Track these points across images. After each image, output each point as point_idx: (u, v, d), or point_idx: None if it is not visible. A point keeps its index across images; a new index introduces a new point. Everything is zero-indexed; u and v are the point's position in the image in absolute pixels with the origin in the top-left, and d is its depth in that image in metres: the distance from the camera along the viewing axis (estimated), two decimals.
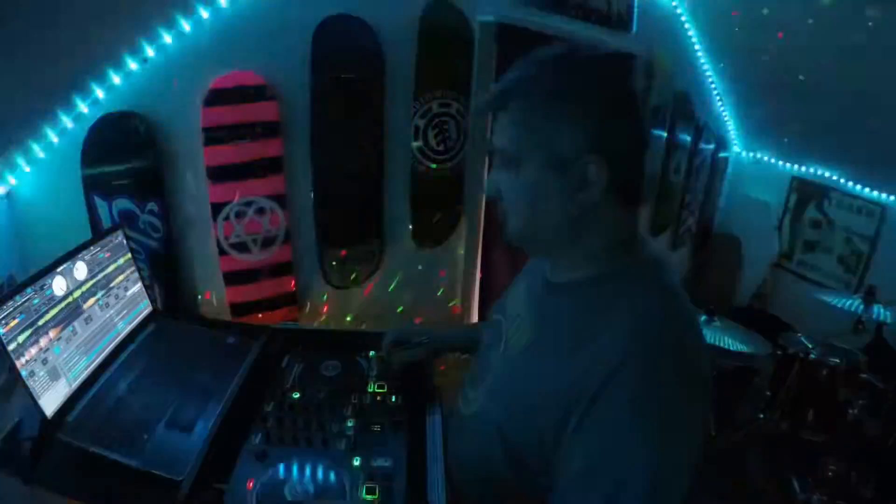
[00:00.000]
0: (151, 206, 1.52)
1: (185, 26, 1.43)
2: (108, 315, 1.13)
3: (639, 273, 0.77)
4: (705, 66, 2.82)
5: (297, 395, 1.05)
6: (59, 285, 1.00)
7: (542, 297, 0.87)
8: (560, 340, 0.77)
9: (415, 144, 1.96)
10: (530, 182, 0.75)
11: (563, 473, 0.70)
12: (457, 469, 0.91)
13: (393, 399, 1.07)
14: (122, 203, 1.47)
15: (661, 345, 0.69)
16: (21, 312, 0.91)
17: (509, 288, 1.01)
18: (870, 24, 1.94)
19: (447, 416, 1.03)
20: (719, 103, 3.01)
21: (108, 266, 1.15)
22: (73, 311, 1.03)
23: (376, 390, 1.08)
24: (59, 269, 1.01)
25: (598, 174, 0.72)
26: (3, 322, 0.87)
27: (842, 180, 2.82)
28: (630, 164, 0.76)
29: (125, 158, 1.46)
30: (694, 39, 2.70)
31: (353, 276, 2.01)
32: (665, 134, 2.79)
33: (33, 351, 0.92)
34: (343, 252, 1.95)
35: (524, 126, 0.74)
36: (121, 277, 1.18)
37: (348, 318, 2.06)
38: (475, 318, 2.42)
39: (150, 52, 1.40)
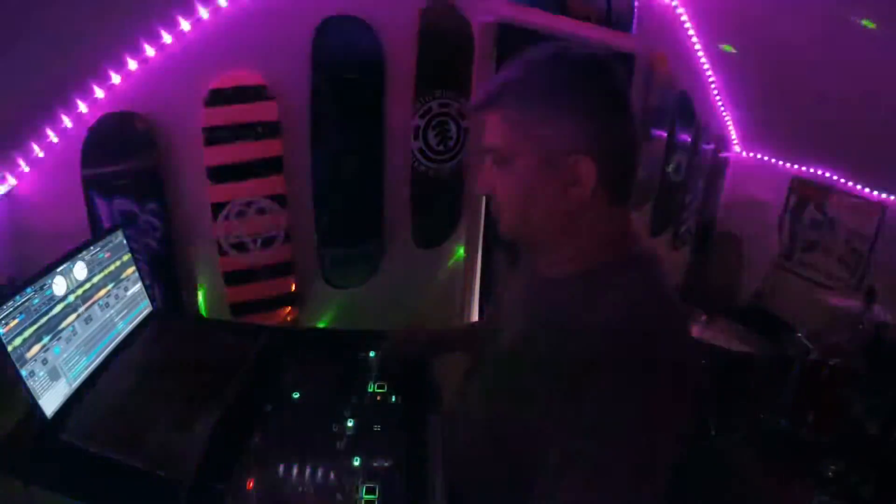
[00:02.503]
0: (151, 206, 1.52)
1: (185, 26, 1.43)
2: (108, 315, 1.13)
3: (625, 270, 0.78)
4: (705, 66, 2.82)
5: (297, 395, 1.05)
6: (59, 285, 1.00)
7: (531, 292, 0.88)
8: (545, 334, 0.79)
9: (415, 144, 1.96)
10: (522, 179, 0.76)
11: (545, 461, 0.71)
12: (454, 468, 0.91)
13: (393, 399, 1.07)
14: (122, 203, 1.47)
15: (633, 342, 0.69)
16: (21, 312, 0.91)
17: (506, 284, 1.02)
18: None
19: (447, 416, 1.03)
20: (719, 103, 3.01)
21: (108, 266, 1.15)
22: (73, 311, 1.03)
23: (376, 390, 1.08)
24: (59, 269, 1.01)
25: (588, 172, 0.73)
26: (3, 322, 0.87)
27: (842, 180, 2.81)
28: (620, 162, 0.77)
29: (125, 158, 1.46)
30: (694, 39, 2.70)
31: (352, 276, 2.01)
32: (665, 134, 2.80)
33: (33, 351, 0.92)
34: (343, 252, 1.95)
35: (516, 124, 0.75)
36: (121, 277, 1.18)
37: (348, 319, 2.06)
38: (475, 318, 2.42)
39: (150, 52, 1.40)
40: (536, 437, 0.73)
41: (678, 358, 0.73)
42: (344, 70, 1.72)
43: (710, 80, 2.88)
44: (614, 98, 0.76)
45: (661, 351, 0.70)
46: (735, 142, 3.27)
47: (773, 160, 3.13)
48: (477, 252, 2.33)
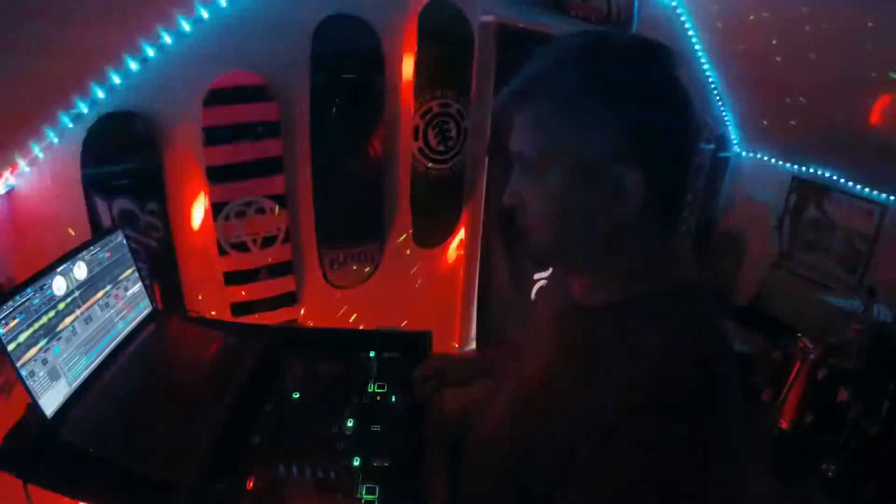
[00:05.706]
0: (151, 206, 1.52)
1: (185, 26, 1.43)
2: (108, 315, 1.13)
3: (671, 301, 0.67)
4: (705, 66, 2.82)
5: (297, 395, 1.05)
6: (59, 285, 1.00)
7: (563, 320, 0.79)
8: (577, 368, 0.70)
9: (415, 145, 1.96)
10: (556, 192, 0.65)
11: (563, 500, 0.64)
12: (465, 500, 0.86)
13: (393, 399, 1.07)
14: (122, 203, 1.47)
15: (684, 392, 0.60)
16: (21, 312, 0.91)
17: (534, 306, 0.96)
18: (870, 24, 1.94)
19: (459, 442, 0.95)
20: (719, 103, 3.01)
21: (107, 266, 1.15)
22: (72, 311, 1.03)
23: (376, 390, 1.08)
24: (59, 269, 1.01)
25: (635, 185, 0.61)
26: (3, 322, 0.87)
27: (842, 180, 2.81)
28: (671, 171, 0.66)
29: (125, 158, 1.46)
30: (694, 39, 2.69)
31: (352, 276, 2.01)
32: None
33: (33, 351, 0.92)
34: (343, 252, 1.95)
35: (546, 128, 0.64)
36: (121, 277, 1.18)
37: (348, 319, 2.06)
38: (475, 319, 2.42)
39: (150, 52, 1.40)
40: (558, 477, 0.65)
41: (730, 407, 0.63)
42: (344, 70, 1.72)
43: (710, 79, 2.88)
44: (665, 94, 0.63)
45: (713, 401, 0.61)
46: (735, 142, 3.27)
47: (773, 160, 3.13)
48: (477, 252, 2.33)
